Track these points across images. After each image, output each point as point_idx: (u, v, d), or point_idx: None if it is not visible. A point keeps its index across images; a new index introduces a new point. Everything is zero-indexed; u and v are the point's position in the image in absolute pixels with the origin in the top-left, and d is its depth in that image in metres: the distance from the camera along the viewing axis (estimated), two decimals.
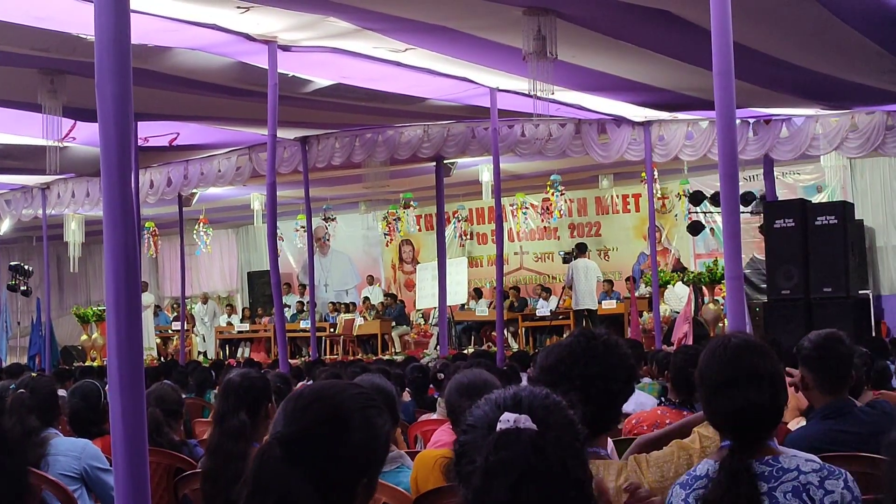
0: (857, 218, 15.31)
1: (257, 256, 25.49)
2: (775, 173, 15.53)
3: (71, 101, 10.76)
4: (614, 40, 10.17)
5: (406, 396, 7.70)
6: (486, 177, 17.66)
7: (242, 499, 1.92)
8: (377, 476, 2.06)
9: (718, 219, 15.38)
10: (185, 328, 19.93)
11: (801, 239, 12.97)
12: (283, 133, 13.52)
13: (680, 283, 17.05)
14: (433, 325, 19.37)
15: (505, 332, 15.53)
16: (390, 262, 24.59)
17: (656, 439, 3.20)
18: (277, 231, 11.32)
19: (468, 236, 22.64)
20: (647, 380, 8.11)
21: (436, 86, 12.39)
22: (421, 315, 21.34)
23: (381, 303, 21.03)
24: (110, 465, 4.08)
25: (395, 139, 14.93)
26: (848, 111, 13.50)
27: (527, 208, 20.50)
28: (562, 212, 19.28)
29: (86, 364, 17.91)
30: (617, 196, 21.36)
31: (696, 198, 16.03)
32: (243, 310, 23.23)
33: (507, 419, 1.73)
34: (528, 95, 10.36)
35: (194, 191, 18.19)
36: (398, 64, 11.27)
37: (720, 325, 14.87)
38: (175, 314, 22.22)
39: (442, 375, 7.47)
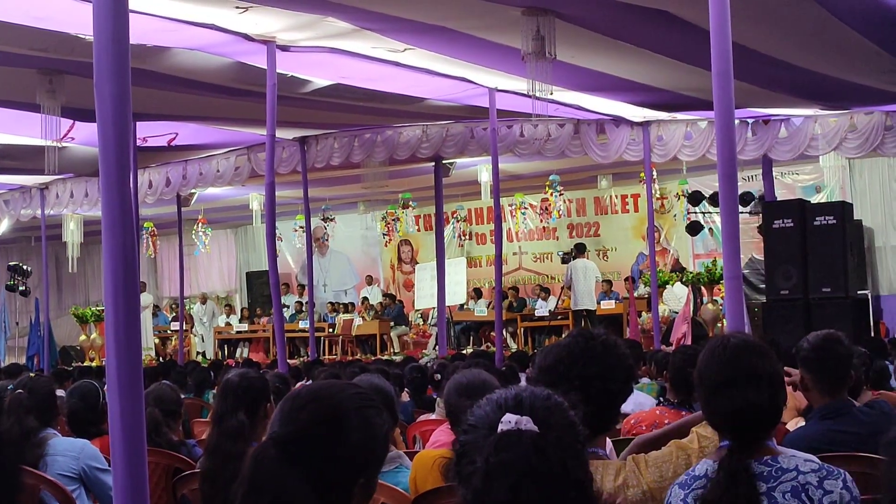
0: (855, 218, 15.30)
1: (256, 256, 25.49)
2: (774, 173, 15.54)
3: (69, 101, 10.75)
4: (613, 40, 10.18)
5: (405, 396, 7.70)
6: (485, 177, 17.66)
7: (238, 499, 1.92)
8: (376, 476, 2.05)
9: (717, 219, 15.39)
10: (184, 328, 19.92)
11: (799, 239, 12.97)
12: (281, 133, 13.52)
13: (679, 283, 17.06)
14: (432, 326, 19.36)
15: (504, 332, 15.53)
16: (389, 263, 24.59)
17: (655, 439, 3.20)
18: (276, 231, 11.32)
19: (467, 236, 22.63)
20: (645, 380, 8.11)
21: (435, 86, 12.39)
22: (420, 315, 21.33)
23: (380, 303, 21.03)
24: (109, 466, 4.08)
25: (394, 139, 14.93)
26: (847, 111, 13.51)
27: (526, 208, 20.49)
28: (561, 212, 19.28)
29: (84, 364, 17.91)
30: (616, 196, 21.36)
31: (694, 198, 16.02)
32: (242, 310, 23.22)
33: (509, 420, 1.73)
34: (527, 95, 10.36)
35: (193, 191, 18.18)
36: (397, 64, 11.27)
37: (719, 325, 14.87)
38: (174, 314, 22.21)
39: (439, 376, 7.48)
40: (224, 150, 16.11)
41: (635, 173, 17.63)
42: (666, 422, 4.71)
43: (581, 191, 21.12)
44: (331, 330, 20.61)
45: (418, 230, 22.79)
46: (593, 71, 11.43)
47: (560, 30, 9.34)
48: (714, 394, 2.72)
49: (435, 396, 7.12)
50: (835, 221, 12.90)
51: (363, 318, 20.47)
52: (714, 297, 15.64)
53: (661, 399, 5.54)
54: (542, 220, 20.46)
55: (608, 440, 3.04)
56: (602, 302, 17.64)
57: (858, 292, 13.99)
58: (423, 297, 20.33)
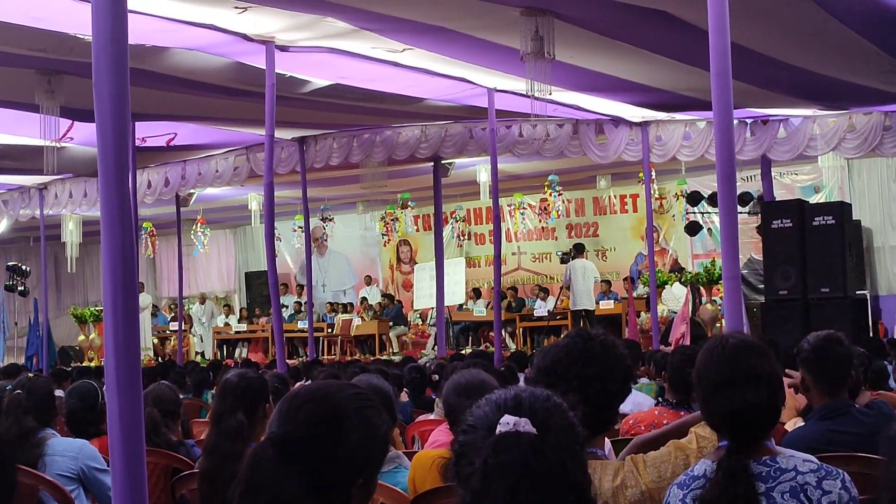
0: (854, 218, 15.31)
1: (255, 257, 25.48)
2: (773, 174, 15.55)
3: (68, 102, 10.75)
4: (612, 41, 10.18)
5: (404, 397, 7.70)
6: (484, 177, 17.66)
7: (236, 499, 1.91)
8: (375, 476, 2.05)
9: (716, 219, 15.41)
10: (183, 328, 19.91)
11: (798, 239, 12.97)
12: (280, 133, 13.52)
13: (677, 283, 17.05)
14: (431, 326, 19.36)
15: (503, 332, 15.53)
16: (388, 263, 24.59)
17: (653, 439, 3.20)
18: (275, 231, 11.32)
19: (466, 236, 22.63)
20: (644, 380, 8.12)
21: (433, 86, 12.38)
22: (418, 315, 21.33)
23: (379, 303, 21.02)
24: (108, 466, 4.08)
25: (393, 139, 14.94)
26: (845, 112, 13.51)
27: (524, 209, 20.47)
28: (559, 212, 19.27)
29: (83, 364, 17.90)
30: (615, 196, 21.37)
31: (693, 198, 16.03)
32: (241, 310, 23.22)
33: (507, 422, 1.73)
34: (526, 96, 10.35)
35: (192, 191, 18.18)
36: (396, 64, 11.26)
37: (717, 325, 14.86)
38: (173, 314, 22.21)
39: (437, 377, 7.47)
40: (223, 151, 16.11)
41: (634, 173, 17.64)
42: (665, 422, 4.72)
43: (580, 191, 21.13)
44: (329, 330, 20.60)
45: (417, 230, 22.79)
46: (592, 71, 11.43)
47: (559, 30, 9.33)
48: (712, 394, 2.72)
49: (433, 397, 7.12)
50: (833, 222, 12.90)
51: (362, 318, 20.47)
52: (713, 298, 15.63)
53: (660, 399, 5.54)
54: (540, 221, 20.46)
55: (607, 440, 3.04)
56: (601, 302, 17.64)
57: (857, 292, 14.00)
58: (422, 297, 20.33)
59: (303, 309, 20.03)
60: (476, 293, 20.35)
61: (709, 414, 2.77)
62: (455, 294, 18.97)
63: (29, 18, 9.11)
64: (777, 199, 15.03)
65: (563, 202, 19.38)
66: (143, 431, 3.55)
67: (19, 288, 21.43)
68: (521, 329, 18.42)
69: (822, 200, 17.52)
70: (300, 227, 18.58)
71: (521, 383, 3.60)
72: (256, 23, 9.75)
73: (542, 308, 18.44)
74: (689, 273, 17.10)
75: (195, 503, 4.29)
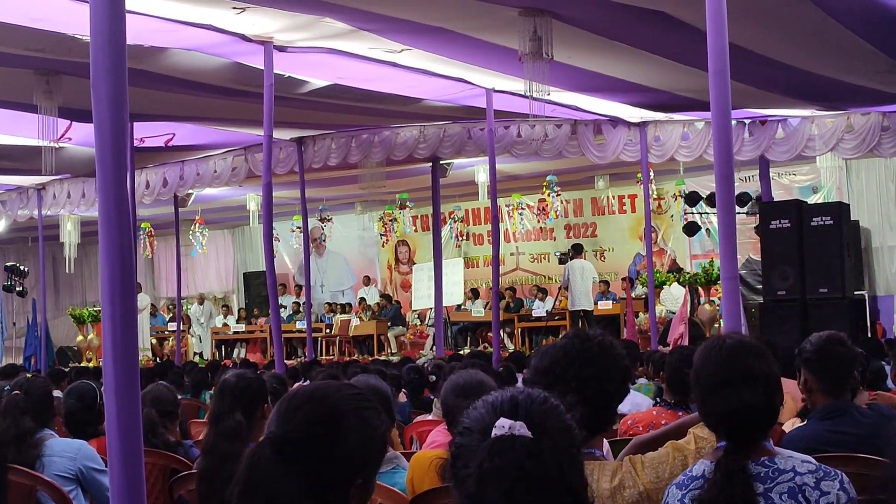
0: (852, 219, 15.32)
1: (253, 257, 25.47)
2: (771, 174, 15.55)
3: (66, 102, 10.75)
4: (610, 41, 10.18)
5: (402, 397, 7.70)
6: (483, 177, 17.66)
7: (234, 500, 1.91)
8: (373, 477, 2.05)
9: (714, 219, 15.38)
10: (181, 329, 19.91)
11: (796, 240, 12.97)
12: (279, 134, 13.52)
13: (676, 283, 17.05)
14: (429, 326, 19.36)
15: (501, 332, 15.52)
16: (386, 263, 24.59)
17: (652, 440, 3.20)
18: (273, 232, 11.32)
19: (464, 237, 22.61)
20: (642, 380, 8.12)
21: (432, 86, 12.38)
22: (417, 316, 21.33)
23: (377, 303, 21.02)
24: (106, 466, 4.08)
25: (391, 140, 14.94)
26: (843, 112, 13.52)
27: (523, 209, 20.47)
28: (558, 212, 19.26)
29: (81, 365, 17.89)
30: (613, 197, 21.37)
31: (691, 198, 16.03)
32: (239, 310, 23.21)
33: (503, 425, 1.72)
34: (524, 96, 10.36)
35: (190, 191, 18.19)
36: (394, 65, 11.26)
37: (716, 325, 14.87)
38: (171, 315, 22.20)
39: (434, 378, 7.47)
40: (221, 151, 16.11)
41: (632, 174, 17.64)
42: (663, 422, 4.72)
43: (578, 191, 21.13)
44: (328, 330, 20.59)
45: (415, 231, 22.78)
46: (590, 71, 11.43)
47: (557, 30, 9.34)
48: (710, 394, 2.72)
49: (432, 397, 7.12)
50: (832, 222, 12.90)
51: (360, 318, 20.46)
52: (711, 298, 15.64)
53: (658, 399, 5.54)
54: (539, 221, 20.47)
55: (605, 441, 3.04)
56: (599, 302, 17.64)
57: (855, 293, 14.01)
58: (421, 297, 20.33)
59: (301, 309, 20.01)
60: (474, 293, 20.34)
61: (706, 414, 2.77)
62: (453, 294, 18.96)
63: (27, 19, 9.11)
64: (775, 200, 15.03)
65: (562, 202, 19.37)
66: (141, 432, 3.55)
67: (17, 288, 21.41)
68: (519, 329, 18.41)
69: (820, 201, 17.53)
70: (298, 228, 18.58)
71: (520, 384, 3.60)
72: (255, 23, 9.75)
73: (540, 308, 18.43)
74: (688, 273, 17.10)
75: (193, 503, 4.29)
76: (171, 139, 15.04)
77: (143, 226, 20.69)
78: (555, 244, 21.72)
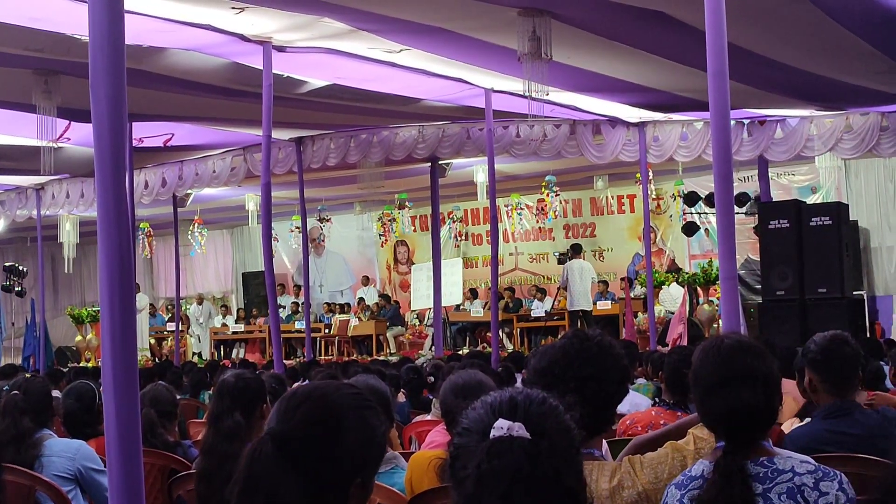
0: (851, 219, 15.30)
1: (252, 257, 25.47)
2: (770, 174, 15.55)
3: (65, 102, 10.75)
4: (609, 41, 10.18)
5: (401, 397, 7.69)
6: (481, 177, 17.65)
7: (234, 497, 1.91)
8: (373, 477, 2.05)
9: (713, 219, 15.36)
10: (180, 329, 19.91)
11: (795, 240, 12.97)
12: (277, 134, 13.51)
13: (675, 283, 17.05)
14: (428, 326, 19.36)
15: (500, 332, 15.52)
16: (385, 263, 24.58)
17: (652, 440, 3.20)
18: (272, 232, 11.31)
19: (463, 237, 22.62)
20: (641, 380, 8.12)
21: (431, 86, 12.39)
22: (416, 316, 21.33)
23: (376, 303, 21.02)
24: (104, 466, 4.08)
25: (390, 140, 14.94)
26: (842, 112, 13.52)
27: (522, 209, 20.48)
28: (557, 212, 19.25)
29: (80, 365, 17.88)
30: (612, 197, 21.37)
31: (690, 198, 16.03)
32: (238, 311, 23.21)
33: (501, 426, 1.72)
34: (523, 96, 10.36)
35: (189, 191, 18.19)
36: (393, 65, 11.26)
37: (715, 325, 14.87)
38: (170, 315, 22.20)
39: (432, 379, 7.46)
40: (220, 151, 16.11)
41: (631, 174, 17.63)
42: (661, 422, 4.72)
43: (577, 191, 21.12)
44: (327, 330, 20.59)
45: (414, 231, 22.78)
46: (589, 72, 11.43)
47: (556, 30, 9.34)
48: (708, 394, 2.72)
49: (431, 397, 7.11)
50: (830, 222, 12.90)
51: (359, 318, 20.46)
52: (710, 298, 15.64)
53: (657, 400, 5.55)
54: (538, 221, 20.47)
55: (604, 441, 3.04)
56: (598, 303, 17.65)
57: (854, 293, 14.01)
58: (420, 297, 20.33)
59: (300, 309, 20.01)
60: (473, 294, 20.35)
61: (705, 414, 2.77)
62: (452, 294, 18.97)
63: (26, 19, 9.11)
64: (774, 200, 15.03)
65: (561, 202, 19.36)
66: (139, 432, 3.54)
67: (16, 288, 21.41)
68: (518, 329, 18.42)
69: (819, 201, 17.52)
70: (297, 228, 18.59)
71: (519, 384, 3.60)
72: (253, 23, 9.75)
73: (539, 308, 18.44)
74: (687, 273, 17.10)
75: (192, 503, 4.28)
76: (170, 139, 15.04)
77: (141, 226, 20.68)
78: (553, 244, 21.72)
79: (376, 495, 3.54)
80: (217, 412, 4.11)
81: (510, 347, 17.37)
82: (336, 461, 1.93)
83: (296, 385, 3.85)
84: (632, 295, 17.33)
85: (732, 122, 11.08)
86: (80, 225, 19.61)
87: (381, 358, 16.82)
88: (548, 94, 10.25)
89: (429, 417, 6.12)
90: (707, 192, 15.32)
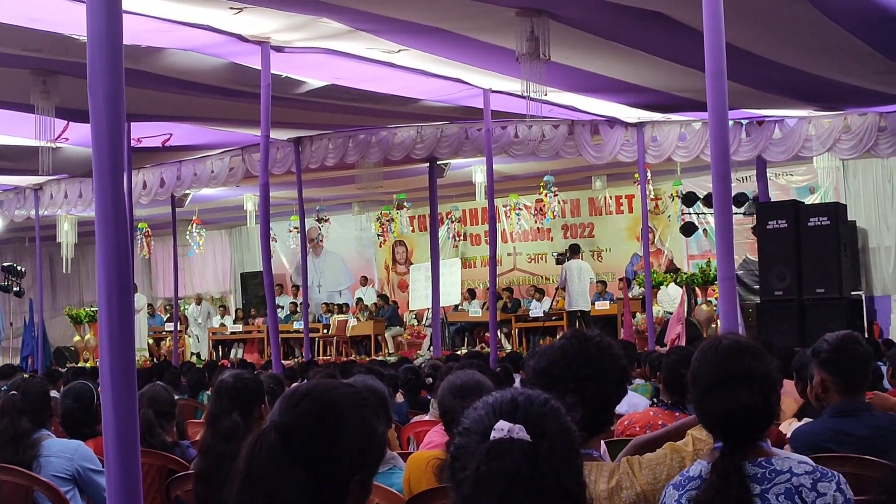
0: (849, 219, 15.33)
1: (250, 257, 25.47)
2: (768, 174, 15.57)
3: (63, 102, 10.74)
4: (607, 41, 10.18)
5: (399, 398, 7.69)
6: (480, 178, 17.66)
7: (235, 490, 1.91)
8: (372, 476, 2.05)
9: (711, 220, 15.40)
10: (179, 329, 19.89)
11: (793, 240, 12.99)
12: (276, 134, 13.51)
13: (673, 284, 17.05)
14: (426, 326, 19.36)
15: (498, 333, 15.52)
16: (383, 263, 24.59)
17: (651, 441, 3.20)
18: (270, 232, 11.31)
19: (461, 237, 22.61)
20: (639, 381, 8.11)
21: (429, 87, 12.39)
22: (414, 316, 21.32)
23: (375, 304, 21.01)
24: (102, 467, 4.07)
25: (389, 140, 14.94)
26: (840, 112, 13.53)
27: (520, 209, 20.46)
28: (555, 213, 19.23)
29: (78, 365, 17.87)
30: (610, 197, 21.37)
31: (689, 199, 16.04)
32: (236, 311, 23.21)
33: (502, 428, 1.71)
34: (521, 97, 10.36)
35: (187, 191, 18.18)
36: (391, 65, 11.26)
37: (713, 326, 14.88)
38: (168, 315, 22.19)
39: (431, 380, 7.45)
40: (218, 151, 16.10)
41: (629, 174, 17.63)
42: (660, 423, 4.72)
43: (575, 192, 21.12)
44: (325, 331, 20.59)
45: (413, 231, 22.78)
46: (587, 72, 11.43)
47: (554, 31, 9.34)
48: (706, 395, 2.71)
49: (429, 398, 7.11)
50: (829, 222, 12.91)
51: (357, 318, 20.45)
52: (708, 298, 15.64)
53: (655, 400, 5.55)
54: (536, 221, 20.46)
55: (602, 442, 3.04)
56: (596, 303, 17.65)
57: (852, 293, 14.02)
58: (418, 297, 20.32)
59: (298, 309, 20.00)
60: (471, 294, 20.35)
61: (703, 415, 2.77)
62: (450, 295, 18.97)
63: (24, 19, 9.11)
64: (772, 200, 15.05)
65: (559, 203, 19.33)
66: (137, 432, 3.54)
67: (14, 288, 21.37)
68: (516, 330, 18.42)
69: (817, 201, 17.53)
70: (296, 228, 18.58)
71: (517, 384, 3.60)
72: (252, 23, 9.75)
73: (537, 309, 18.44)
74: (685, 274, 17.08)
75: None
76: (169, 139, 15.04)
77: (140, 226, 20.65)
78: (552, 244, 21.73)
79: (374, 495, 3.54)
80: (215, 412, 4.11)
81: (508, 348, 17.36)
82: (335, 458, 1.93)
83: (295, 384, 3.85)
84: (630, 295, 17.33)
85: (731, 123, 11.07)
86: (79, 225, 19.60)
87: (380, 358, 16.81)
88: (546, 95, 10.24)
89: (427, 418, 6.12)
90: (705, 193, 15.31)
